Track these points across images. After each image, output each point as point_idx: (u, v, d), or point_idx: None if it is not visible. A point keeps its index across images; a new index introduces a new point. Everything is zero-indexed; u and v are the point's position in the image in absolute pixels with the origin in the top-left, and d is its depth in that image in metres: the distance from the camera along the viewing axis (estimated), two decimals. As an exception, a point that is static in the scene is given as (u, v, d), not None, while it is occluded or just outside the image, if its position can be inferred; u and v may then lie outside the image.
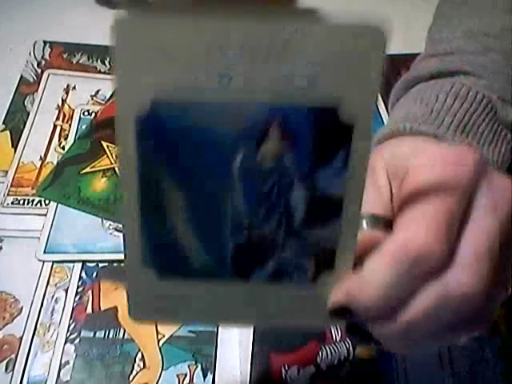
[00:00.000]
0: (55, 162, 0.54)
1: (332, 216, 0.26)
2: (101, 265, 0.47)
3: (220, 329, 0.44)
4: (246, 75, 0.23)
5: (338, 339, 0.44)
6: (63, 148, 0.55)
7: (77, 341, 0.43)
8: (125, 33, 0.22)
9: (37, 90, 0.60)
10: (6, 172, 0.53)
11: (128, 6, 0.68)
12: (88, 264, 0.47)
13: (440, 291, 0.27)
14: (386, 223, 0.30)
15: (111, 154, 0.54)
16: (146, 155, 0.25)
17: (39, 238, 0.48)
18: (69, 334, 0.43)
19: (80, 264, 0.47)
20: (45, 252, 0.48)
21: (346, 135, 0.25)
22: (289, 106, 0.24)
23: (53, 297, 0.45)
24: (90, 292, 0.46)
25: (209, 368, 0.42)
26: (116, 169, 0.53)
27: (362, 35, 0.23)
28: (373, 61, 0.23)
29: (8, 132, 0.56)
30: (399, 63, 0.57)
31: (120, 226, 0.49)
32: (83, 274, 0.47)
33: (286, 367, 0.43)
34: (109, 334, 0.44)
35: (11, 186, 0.52)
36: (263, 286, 0.28)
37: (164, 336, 0.43)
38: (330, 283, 0.28)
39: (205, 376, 0.42)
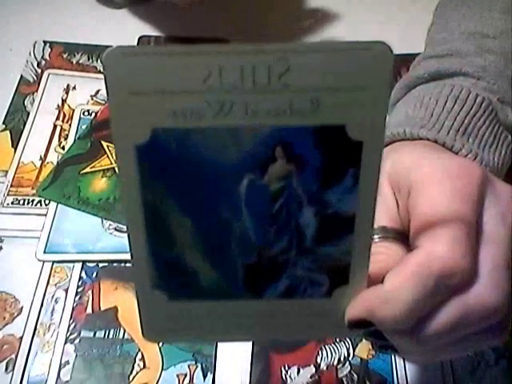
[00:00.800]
0: (55, 162, 0.54)
1: (344, 232, 0.26)
2: (101, 265, 0.47)
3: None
4: (248, 99, 0.23)
5: (338, 339, 0.44)
6: (63, 148, 0.55)
7: (77, 341, 0.43)
8: (117, 64, 0.22)
9: (37, 90, 0.60)
10: (6, 172, 0.53)
11: (128, 5, 0.68)
12: (88, 264, 0.47)
13: (462, 306, 0.28)
14: (396, 235, 0.30)
15: (111, 154, 0.54)
16: (149, 183, 0.25)
17: (39, 238, 0.48)
18: (69, 334, 0.43)
19: (80, 264, 0.47)
20: (45, 252, 0.48)
21: (356, 152, 0.24)
22: (294, 128, 0.23)
23: (53, 297, 0.45)
24: (89, 292, 0.46)
25: (209, 368, 0.42)
26: (116, 169, 0.53)
27: (366, 52, 0.22)
28: (380, 75, 0.23)
29: (8, 132, 0.56)
30: (399, 63, 0.57)
31: (120, 225, 0.49)
32: (83, 274, 0.47)
33: (286, 367, 0.43)
34: (109, 334, 0.44)
35: (11, 186, 0.52)
36: (276, 302, 0.28)
37: (164, 336, 0.43)
38: (345, 297, 0.28)
39: (205, 376, 0.42)
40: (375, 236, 0.30)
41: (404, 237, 0.30)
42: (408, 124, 0.37)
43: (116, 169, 0.53)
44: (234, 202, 0.25)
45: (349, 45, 0.22)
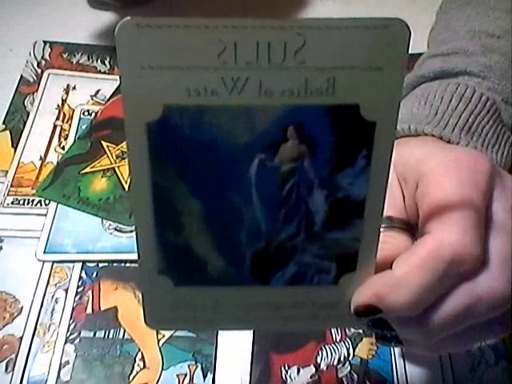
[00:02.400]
0: (55, 162, 0.54)
1: (354, 217, 0.26)
2: (101, 265, 0.47)
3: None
4: (262, 77, 0.22)
5: (337, 339, 0.44)
6: (63, 148, 0.55)
7: (77, 341, 0.43)
8: (130, 37, 0.22)
9: (37, 90, 0.60)
10: (6, 172, 0.53)
11: (118, 7, 0.68)
12: (88, 264, 0.47)
13: (470, 294, 0.28)
14: (402, 225, 0.30)
15: (111, 154, 0.54)
16: (159, 163, 0.24)
17: (39, 238, 0.48)
18: (69, 334, 0.43)
19: (80, 264, 0.47)
20: (45, 252, 0.48)
21: (369, 133, 0.24)
22: (307, 108, 0.23)
23: (53, 297, 0.45)
24: (89, 292, 0.46)
25: (209, 368, 0.42)
26: (116, 169, 0.53)
27: (383, 29, 0.22)
28: (397, 53, 0.22)
29: (8, 132, 0.56)
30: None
31: (120, 225, 0.49)
32: (83, 274, 0.47)
33: (286, 367, 0.43)
34: (109, 333, 0.44)
35: (11, 186, 0.52)
36: (283, 289, 0.28)
37: (164, 336, 0.43)
38: (351, 284, 0.28)
39: (205, 376, 0.42)
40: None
41: (410, 227, 0.30)
42: (413, 121, 0.37)
43: (116, 168, 0.53)
44: (244, 184, 0.25)
45: (366, 22, 0.22)
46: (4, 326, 0.44)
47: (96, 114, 0.58)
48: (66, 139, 0.56)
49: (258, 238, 0.26)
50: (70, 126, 0.57)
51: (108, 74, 0.62)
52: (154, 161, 0.24)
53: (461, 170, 0.29)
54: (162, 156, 0.24)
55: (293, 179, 0.25)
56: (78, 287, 0.46)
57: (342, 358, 0.43)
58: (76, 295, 0.45)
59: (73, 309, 0.45)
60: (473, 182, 0.29)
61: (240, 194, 0.25)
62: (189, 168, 0.24)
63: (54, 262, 0.47)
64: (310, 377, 0.42)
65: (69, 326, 0.44)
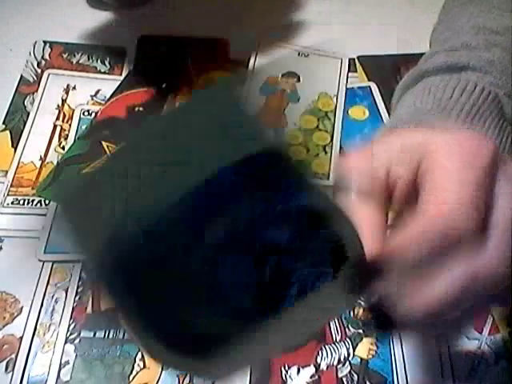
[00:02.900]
0: (55, 162, 0.54)
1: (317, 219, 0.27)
2: (101, 265, 0.47)
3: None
4: None
5: (337, 339, 0.44)
6: (63, 148, 0.55)
7: (77, 341, 0.43)
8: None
9: (37, 90, 0.60)
10: (6, 172, 0.53)
11: (118, 8, 0.68)
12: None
13: (471, 270, 0.28)
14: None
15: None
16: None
17: (39, 238, 0.48)
18: (69, 334, 0.43)
19: (80, 264, 0.47)
20: (45, 252, 0.48)
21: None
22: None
23: (53, 297, 0.45)
24: (89, 292, 0.46)
25: (209, 368, 0.42)
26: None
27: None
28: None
29: (8, 132, 0.56)
30: (399, 63, 0.57)
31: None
32: (83, 274, 0.47)
33: (286, 367, 0.43)
34: (109, 334, 0.44)
35: (11, 186, 0.52)
36: (292, 310, 0.28)
37: (164, 336, 0.43)
38: (348, 271, 0.28)
39: (205, 376, 0.42)
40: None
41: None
42: (415, 111, 0.37)
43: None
44: (204, 255, 0.26)
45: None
46: (4, 326, 0.44)
47: (96, 114, 0.58)
48: (66, 139, 0.56)
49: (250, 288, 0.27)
50: (69, 126, 0.57)
51: (108, 74, 0.61)
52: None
53: (464, 153, 0.29)
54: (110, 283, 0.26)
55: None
56: (77, 287, 0.46)
57: (342, 358, 0.43)
58: (76, 295, 0.45)
59: (73, 309, 0.45)
60: (476, 165, 0.29)
61: (204, 263, 0.27)
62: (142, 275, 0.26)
63: (54, 262, 0.47)
64: (310, 377, 0.42)
65: (69, 326, 0.44)
